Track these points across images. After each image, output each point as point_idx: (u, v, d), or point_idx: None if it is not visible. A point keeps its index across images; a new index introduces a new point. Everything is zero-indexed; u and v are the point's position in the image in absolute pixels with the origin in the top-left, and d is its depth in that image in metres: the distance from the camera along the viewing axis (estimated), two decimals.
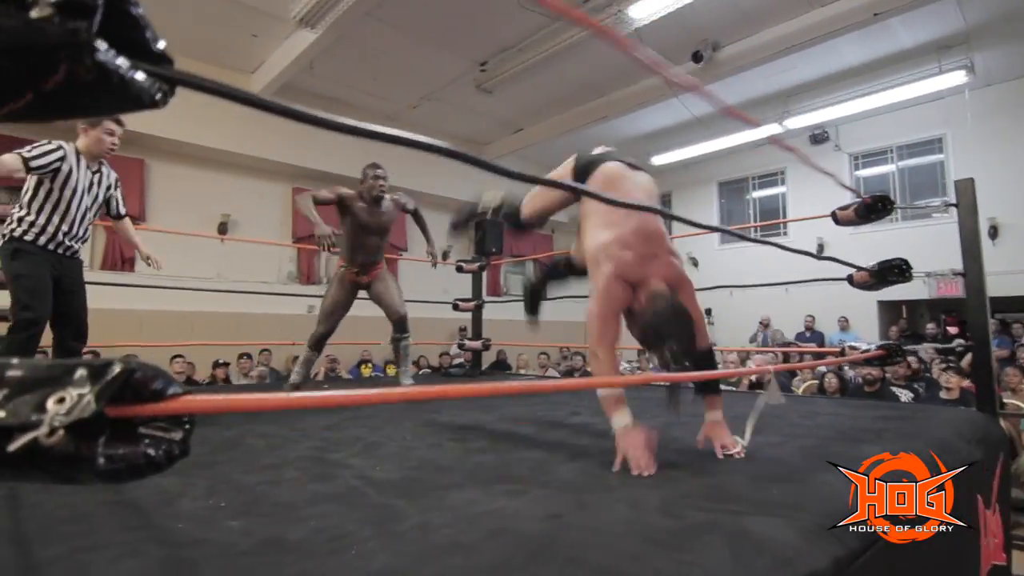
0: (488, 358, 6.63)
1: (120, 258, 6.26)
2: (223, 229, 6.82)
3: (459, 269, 5.26)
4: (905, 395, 4.63)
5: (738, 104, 7.54)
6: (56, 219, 2.52)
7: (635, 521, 1.10)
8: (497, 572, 0.84)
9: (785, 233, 8.96)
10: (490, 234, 9.37)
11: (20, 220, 2.49)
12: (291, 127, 7.08)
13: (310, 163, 7.38)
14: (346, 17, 5.14)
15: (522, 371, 7.41)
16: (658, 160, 9.46)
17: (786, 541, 1.01)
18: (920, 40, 6.50)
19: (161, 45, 0.64)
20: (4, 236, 2.51)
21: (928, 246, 6.79)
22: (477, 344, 4.91)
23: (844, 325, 8.48)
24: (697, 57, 6.18)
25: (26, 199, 2.51)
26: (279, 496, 1.31)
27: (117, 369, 0.50)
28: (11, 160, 2.38)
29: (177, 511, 1.18)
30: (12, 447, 0.45)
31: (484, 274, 5.38)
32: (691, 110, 7.31)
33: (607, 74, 6.83)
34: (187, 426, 0.59)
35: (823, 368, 6.34)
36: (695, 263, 10.13)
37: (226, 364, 5.96)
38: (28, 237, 2.48)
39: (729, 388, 5.20)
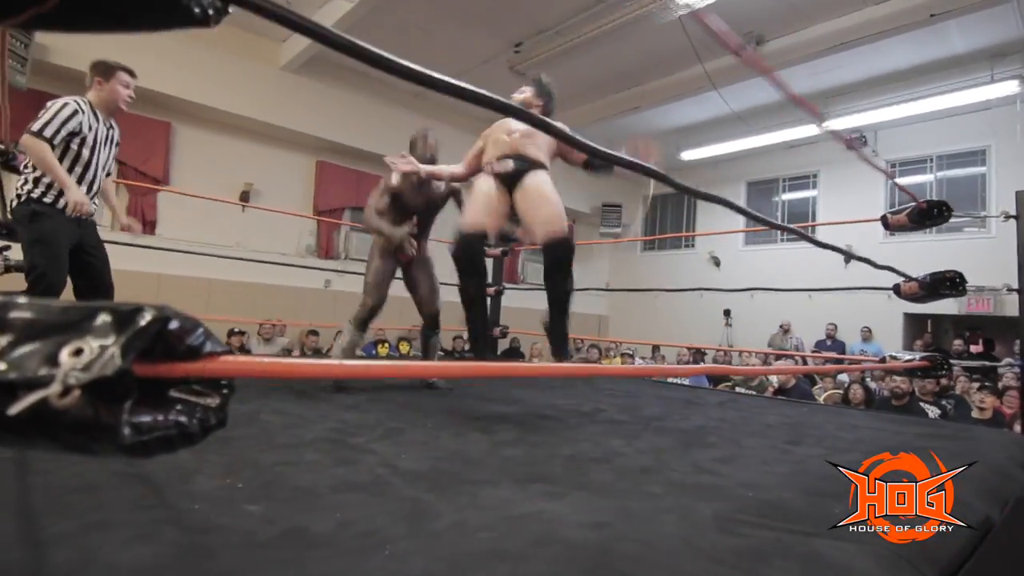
0: (501, 346, 6.55)
1: (142, 219, 6.23)
2: (245, 197, 6.75)
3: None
4: (933, 411, 4.47)
5: (774, 103, 7.32)
6: (74, 179, 2.40)
7: (691, 537, 1.00)
8: None
9: (814, 236, 8.74)
10: (512, 220, 9.23)
11: (36, 181, 2.37)
12: (317, 99, 7.00)
13: (334, 136, 7.29)
14: None
15: (535, 359, 7.32)
16: (688, 155, 9.25)
17: (866, 570, 0.90)
18: (974, 46, 6.23)
19: None
20: (20, 197, 2.39)
21: (960, 260, 6.56)
22: (495, 331, 4.80)
23: (867, 335, 8.28)
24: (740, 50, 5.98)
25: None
26: (299, 480, 1.22)
27: (149, 316, 0.40)
28: (38, 148, 2.28)
29: (192, 490, 1.10)
30: (14, 409, 0.35)
31: (504, 260, 5.26)
32: (730, 104, 7.10)
33: (644, 63, 6.65)
34: (225, 391, 0.49)
35: (845, 377, 6.19)
36: (717, 263, 9.95)
37: (242, 333, 5.92)
38: (47, 199, 2.37)
39: (749, 392, 5.07)
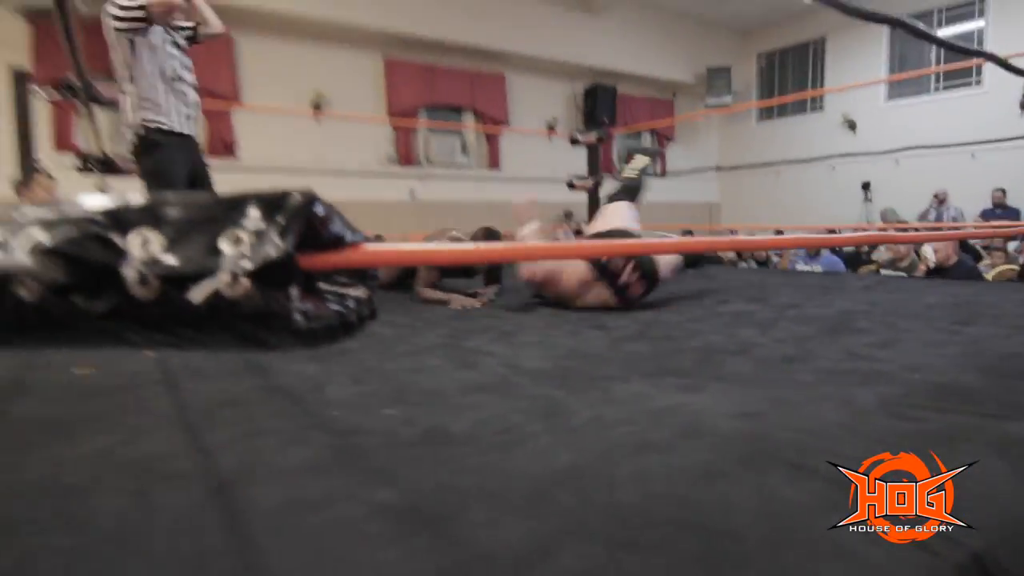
0: None
1: (221, 143, 6.58)
2: (318, 108, 6.89)
3: (574, 141, 4.99)
4: None
5: None
6: (172, 95, 2.35)
7: (856, 423, 0.97)
8: (713, 476, 0.76)
9: (979, 83, 7.68)
10: (602, 102, 8.87)
11: (136, 105, 2.29)
12: None
13: (403, 27, 7.14)
14: None
15: None
16: None
17: None
18: None
19: None
20: (130, 126, 2.33)
21: None
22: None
23: None
24: None
25: (133, 72, 2.28)
26: (426, 383, 1.31)
27: (298, 198, 0.42)
28: None
29: (327, 398, 1.20)
30: (195, 297, 0.39)
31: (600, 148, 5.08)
32: None
33: None
34: (370, 283, 0.52)
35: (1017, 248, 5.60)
36: (852, 126, 9.04)
37: None
38: (156, 124, 2.31)
39: (899, 274, 4.74)
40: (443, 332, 1.95)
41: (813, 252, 6.50)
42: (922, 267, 4.46)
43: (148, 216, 0.41)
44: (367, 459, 0.87)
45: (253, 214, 0.41)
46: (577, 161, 5.65)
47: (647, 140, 9.99)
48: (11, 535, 0.66)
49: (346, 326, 0.47)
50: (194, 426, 1.06)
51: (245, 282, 0.39)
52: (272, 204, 0.42)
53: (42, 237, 0.40)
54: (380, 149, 7.56)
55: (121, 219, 0.41)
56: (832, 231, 7.24)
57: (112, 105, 2.90)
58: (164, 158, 2.33)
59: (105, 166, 3.13)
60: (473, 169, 8.08)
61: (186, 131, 2.40)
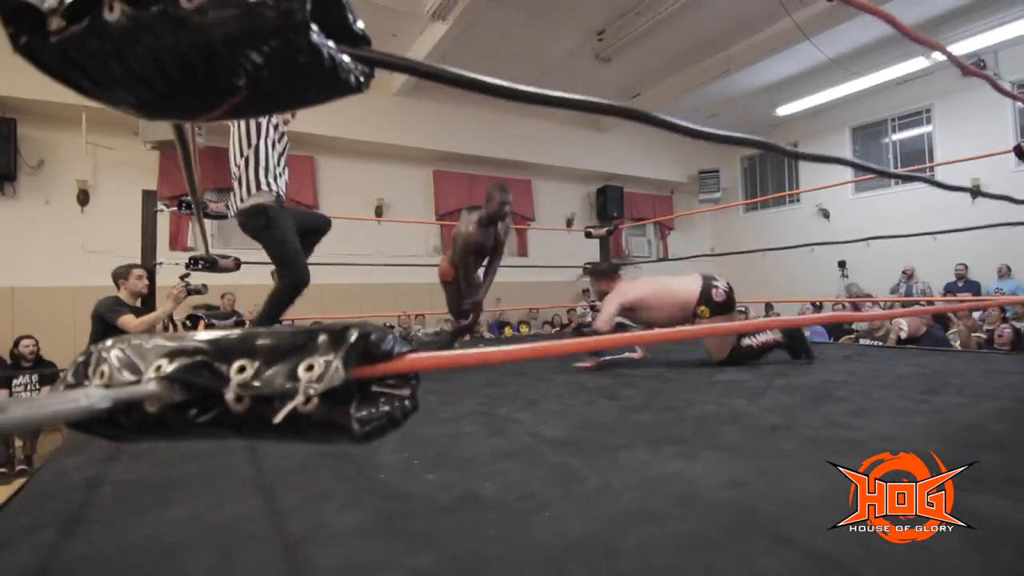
0: None
1: None
2: (379, 212, 7.21)
3: (588, 235, 5.09)
4: None
5: (880, 38, 6.46)
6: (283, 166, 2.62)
7: (832, 493, 0.94)
8: (701, 547, 0.74)
9: (933, 176, 7.64)
10: (611, 200, 9.06)
11: (248, 185, 2.51)
12: (428, 116, 7.27)
13: (447, 147, 7.54)
14: (473, 5, 5.06)
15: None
16: (783, 110, 8.46)
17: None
18: None
19: (361, 25, 0.59)
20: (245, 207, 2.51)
21: None
22: None
23: (1005, 273, 7.13)
24: None
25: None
26: (463, 450, 1.31)
27: (356, 334, 0.46)
28: None
29: (379, 463, 1.22)
30: (276, 419, 0.42)
31: (610, 239, 5.18)
32: (825, 52, 6.36)
33: (728, 27, 6.14)
34: (414, 383, 0.55)
35: (982, 321, 5.39)
36: (826, 215, 9.04)
37: (392, 326, 6.37)
38: (269, 199, 2.50)
39: (875, 342, 4.59)
40: (478, 400, 1.96)
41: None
42: (893, 337, 4.32)
43: (245, 346, 0.46)
44: (409, 523, 0.87)
45: (324, 344, 0.46)
46: (591, 249, 5.75)
47: (651, 231, 10.11)
48: None
49: (393, 423, 0.51)
50: (269, 490, 1.08)
51: (315, 401, 0.43)
52: (337, 337, 0.46)
53: (165, 365, 0.45)
54: (428, 242, 7.81)
55: (225, 349, 0.45)
56: (815, 304, 7.10)
57: (220, 217, 3.12)
58: (282, 226, 2.51)
59: (209, 265, 3.30)
60: (505, 256, 8.24)
61: (284, 194, 2.61)
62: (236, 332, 0.49)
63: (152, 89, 0.55)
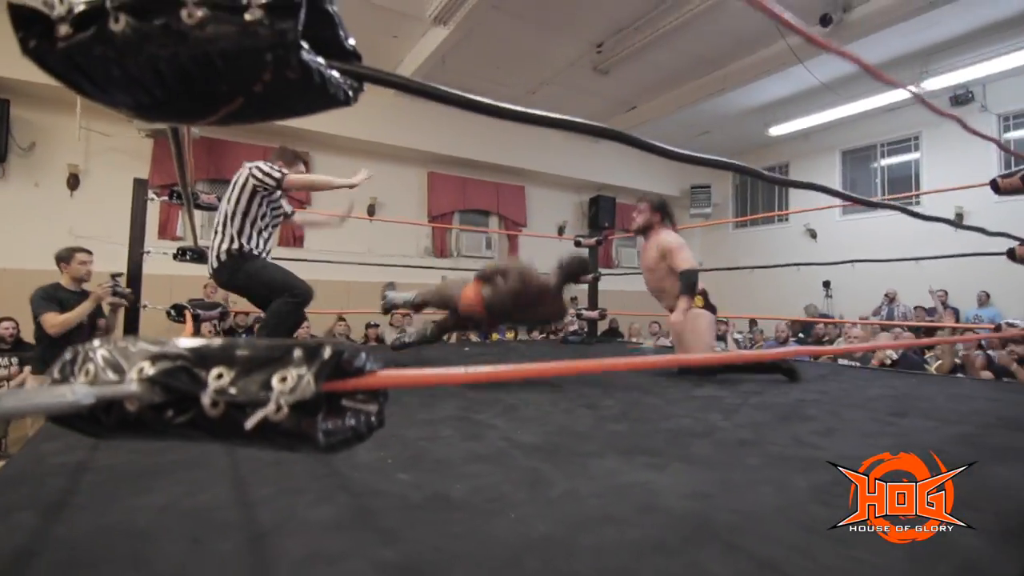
0: (601, 326, 6.52)
1: (292, 237, 6.87)
2: (372, 211, 7.23)
3: (577, 244, 5.14)
4: None
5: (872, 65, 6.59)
6: (263, 234, 2.66)
7: (787, 508, 0.99)
8: (656, 552, 0.78)
9: (918, 203, 7.80)
10: (603, 210, 9.14)
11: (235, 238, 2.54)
12: (425, 118, 7.30)
13: (443, 149, 7.58)
14: (475, 11, 5.11)
15: (633, 339, 7.21)
16: (776, 131, 8.59)
17: (969, 545, 0.85)
18: None
19: (352, 42, 0.62)
20: (231, 252, 2.51)
21: None
22: (594, 314, 4.81)
23: (983, 300, 7.28)
24: (825, 20, 5.45)
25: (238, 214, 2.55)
26: (438, 452, 1.34)
27: (328, 351, 0.49)
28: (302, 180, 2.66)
29: (355, 462, 1.24)
30: (248, 424, 0.45)
31: (599, 247, 5.23)
32: (817, 76, 6.50)
33: (725, 46, 6.25)
34: (382, 399, 0.58)
35: (960, 346, 5.49)
36: (813, 235, 9.18)
37: (377, 325, 6.38)
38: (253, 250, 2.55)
39: (853, 363, 4.67)
40: (458, 404, 1.98)
41: (781, 340, 6.44)
42: (875, 362, 4.40)
43: (224, 355, 0.49)
44: (379, 519, 0.90)
45: (298, 358, 0.49)
46: None
47: (641, 243, 10.20)
48: (91, 568, 0.71)
49: (358, 436, 0.54)
50: (243, 482, 1.10)
51: (285, 411, 0.46)
52: (311, 352, 0.49)
53: (147, 368, 0.48)
54: (420, 244, 7.83)
55: (205, 356, 0.49)
56: (799, 323, 7.20)
57: (210, 208, 3.12)
58: (259, 264, 2.56)
59: (197, 256, 3.31)
60: (496, 261, 8.29)
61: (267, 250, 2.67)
62: (218, 341, 0.52)
63: (150, 95, 0.58)
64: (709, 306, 2.89)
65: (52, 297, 3.07)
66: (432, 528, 0.86)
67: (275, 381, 0.47)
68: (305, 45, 0.55)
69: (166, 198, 3.34)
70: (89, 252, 3.31)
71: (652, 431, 1.64)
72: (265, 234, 2.64)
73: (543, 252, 8.40)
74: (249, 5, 0.51)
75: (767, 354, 3.17)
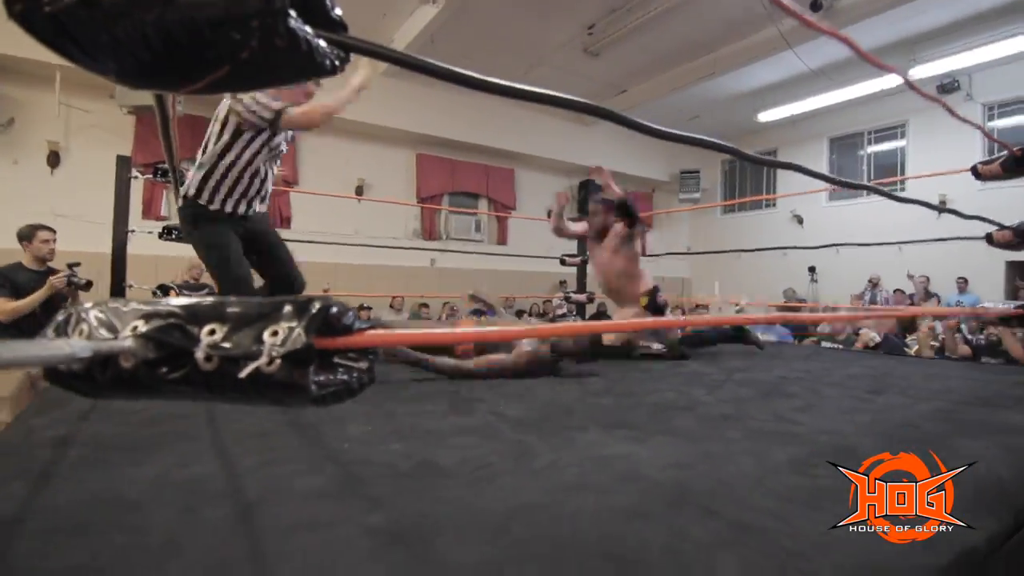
0: (589, 310, 6.57)
1: (279, 216, 6.81)
2: (359, 191, 7.17)
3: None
4: None
5: (854, 56, 6.61)
6: (241, 184, 2.23)
7: (765, 477, 1.02)
8: (637, 517, 0.81)
9: (903, 190, 7.89)
10: (593, 194, 9.14)
11: (200, 184, 2.16)
12: (414, 99, 7.21)
13: (432, 131, 7.51)
14: None
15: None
16: (764, 116, 8.62)
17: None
18: None
19: (338, 12, 0.62)
20: (185, 200, 2.19)
21: None
22: (582, 297, 4.84)
23: (963, 286, 7.44)
24: (816, 6, 5.45)
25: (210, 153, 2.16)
26: (427, 425, 1.36)
27: (317, 305, 0.51)
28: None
29: (344, 434, 1.26)
30: (242, 374, 0.47)
31: None
32: (807, 63, 6.51)
33: (715, 30, 6.23)
34: (371, 357, 0.60)
35: (939, 331, 5.62)
36: (800, 221, 9.27)
37: (369, 308, 6.37)
38: (207, 204, 2.17)
39: (836, 346, 4.77)
40: (446, 379, 2.01)
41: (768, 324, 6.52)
42: (859, 344, 4.49)
43: (216, 312, 0.50)
44: (367, 487, 0.92)
45: (288, 313, 0.50)
46: (569, 241, 5.81)
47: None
48: (82, 535, 0.71)
49: (349, 391, 0.55)
50: (233, 454, 1.11)
51: (278, 363, 0.47)
52: (301, 307, 0.50)
53: (141, 325, 0.48)
54: (408, 225, 7.80)
55: (196, 314, 0.49)
56: (780, 307, 7.31)
57: None
58: (213, 232, 2.19)
59: (182, 236, 3.27)
60: (485, 244, 8.28)
61: (241, 212, 2.23)
62: (208, 299, 0.53)
63: (136, 60, 0.58)
64: (655, 305, 2.86)
65: (5, 280, 2.89)
66: (420, 495, 0.88)
67: (266, 335, 0.48)
68: (292, 13, 0.55)
69: (151, 176, 3.28)
70: (52, 230, 3.12)
71: (636, 404, 1.68)
72: (241, 187, 2.18)
73: (533, 236, 8.44)
74: None
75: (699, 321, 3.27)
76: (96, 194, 5.03)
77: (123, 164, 3.32)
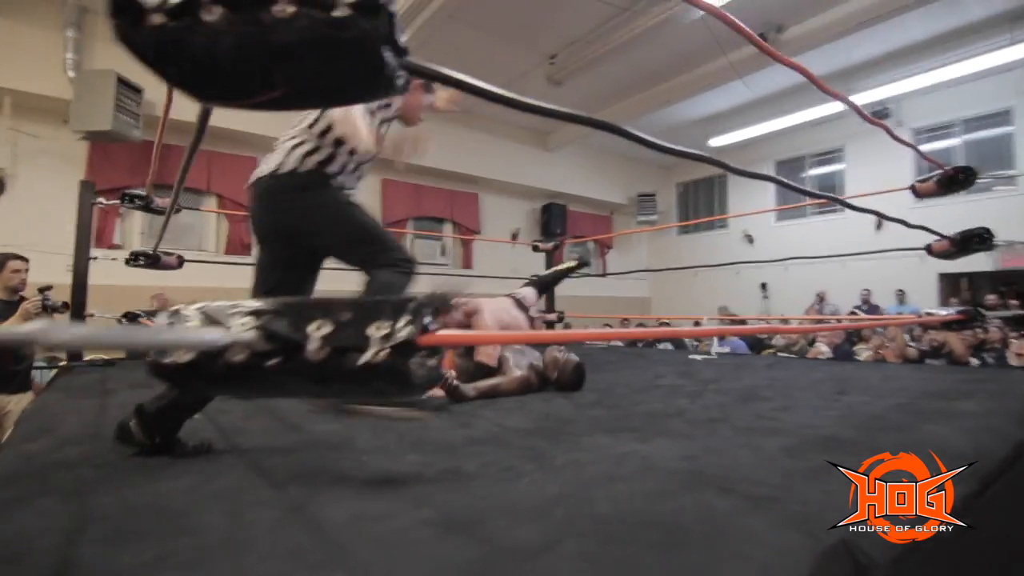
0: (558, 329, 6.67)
1: (240, 244, 6.66)
2: None
3: (535, 248, 5.28)
4: (973, 363, 4.35)
5: (797, 85, 7.13)
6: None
7: (765, 462, 1.11)
8: (664, 496, 0.88)
9: (843, 210, 8.45)
10: (555, 217, 9.34)
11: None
12: None
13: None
14: (432, 21, 5.19)
15: (587, 343, 7.39)
16: (716, 142, 9.10)
17: None
18: (992, 12, 5.91)
19: (404, 38, 0.69)
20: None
21: (990, 219, 6.24)
22: (552, 316, 4.94)
23: (901, 298, 7.99)
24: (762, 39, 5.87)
25: None
26: (435, 437, 1.39)
27: (415, 304, 0.56)
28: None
29: (358, 448, 1.28)
30: (357, 363, 0.52)
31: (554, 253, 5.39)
32: (754, 90, 6.96)
33: (671, 60, 6.60)
34: (439, 355, 0.66)
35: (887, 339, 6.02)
36: (751, 240, 9.76)
37: None
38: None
39: (791, 356, 5.03)
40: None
41: (723, 337, 6.79)
42: (812, 355, 4.76)
43: (319, 309, 0.55)
44: (404, 489, 0.96)
45: (388, 311, 0.55)
46: (534, 263, 5.96)
47: (591, 248, 10.51)
48: (141, 541, 0.73)
49: (433, 382, 0.61)
50: (258, 469, 1.12)
51: (384, 353, 0.53)
52: (399, 305, 0.56)
53: (252, 321, 0.53)
54: None
55: (300, 310, 0.55)
56: (740, 321, 7.63)
57: (161, 213, 3.01)
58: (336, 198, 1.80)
59: (152, 261, 3.19)
60: (450, 267, 8.32)
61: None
62: (311, 298, 0.58)
63: (228, 80, 0.63)
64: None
65: None
66: (457, 495, 0.92)
67: (372, 330, 0.54)
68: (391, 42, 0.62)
69: (117, 202, 3.20)
70: (24, 259, 3.08)
71: (628, 414, 1.76)
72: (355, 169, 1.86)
73: (498, 258, 8.55)
74: (336, 4, 0.58)
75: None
76: (45, 222, 4.82)
77: (87, 189, 3.22)
